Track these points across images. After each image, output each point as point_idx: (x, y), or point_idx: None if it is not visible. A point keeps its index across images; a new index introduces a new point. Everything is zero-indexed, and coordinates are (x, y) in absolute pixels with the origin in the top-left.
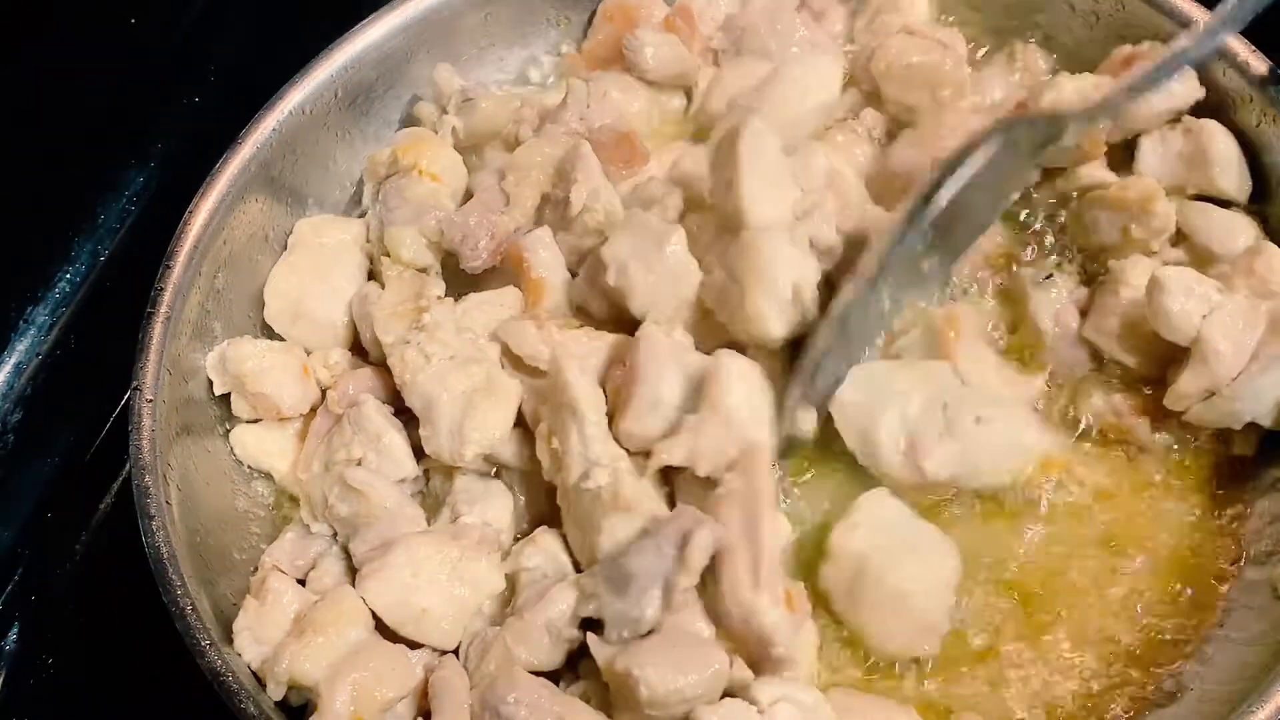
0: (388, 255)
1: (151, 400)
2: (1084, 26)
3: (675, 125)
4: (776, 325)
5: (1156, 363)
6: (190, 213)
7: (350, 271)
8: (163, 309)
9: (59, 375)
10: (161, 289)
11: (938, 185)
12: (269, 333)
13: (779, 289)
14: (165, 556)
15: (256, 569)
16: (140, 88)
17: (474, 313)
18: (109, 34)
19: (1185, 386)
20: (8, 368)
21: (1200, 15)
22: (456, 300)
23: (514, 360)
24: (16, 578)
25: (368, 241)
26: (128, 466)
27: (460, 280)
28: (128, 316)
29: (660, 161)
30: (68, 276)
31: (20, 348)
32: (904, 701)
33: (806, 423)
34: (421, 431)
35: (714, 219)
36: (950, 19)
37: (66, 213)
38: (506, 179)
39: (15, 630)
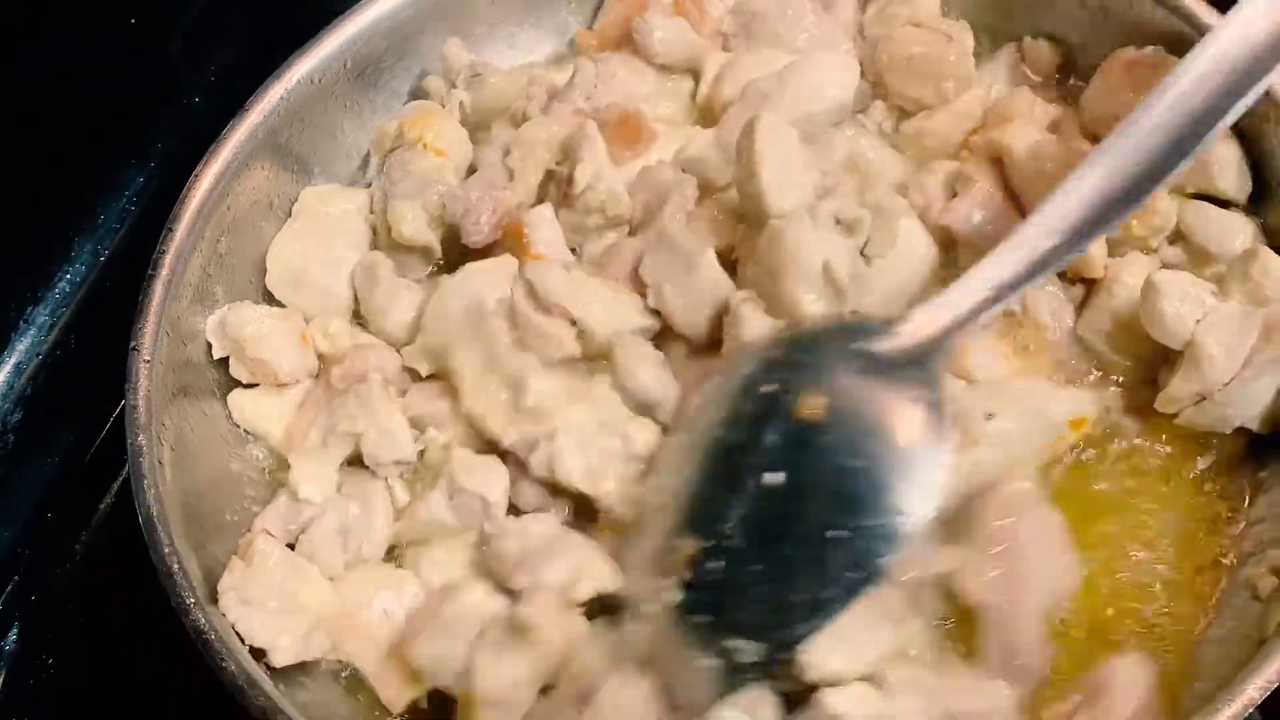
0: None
1: (149, 361)
2: (1091, 24)
3: (683, 109)
4: (813, 306)
5: (1147, 363)
6: (195, 177)
7: (354, 241)
8: (164, 272)
9: (59, 375)
10: (164, 251)
11: None
12: (270, 299)
13: (809, 271)
14: (155, 515)
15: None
16: (140, 88)
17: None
18: (109, 34)
19: (1176, 390)
20: (8, 368)
21: (1209, 16)
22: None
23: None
24: (16, 578)
25: (371, 212)
26: (126, 467)
27: (460, 255)
28: (128, 316)
29: (667, 145)
30: (68, 276)
31: (20, 348)
32: None
33: None
34: None
35: (736, 206)
36: (957, 13)
37: (66, 213)
38: (511, 154)
39: (15, 630)
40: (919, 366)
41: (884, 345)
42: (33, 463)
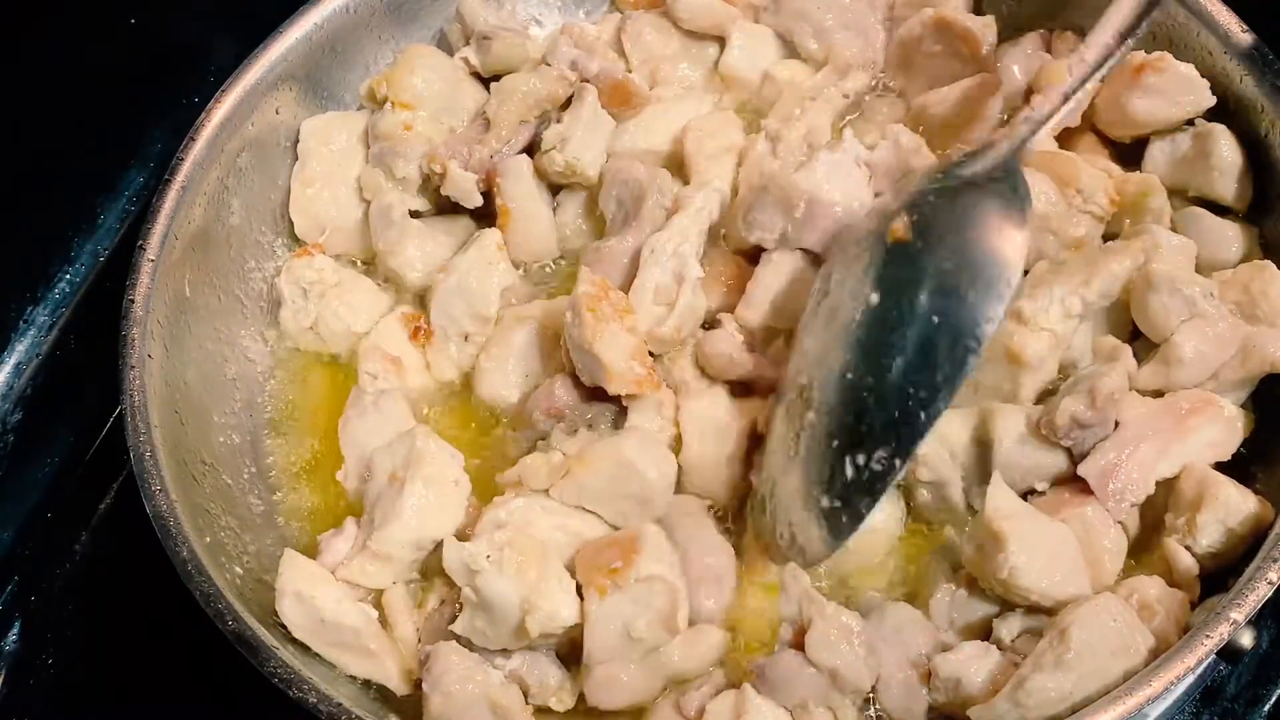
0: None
1: (153, 260)
2: None
3: (703, 74)
4: None
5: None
6: (221, 92)
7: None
8: (179, 178)
9: (59, 375)
10: (181, 159)
11: None
12: (290, 227)
13: None
14: (135, 404)
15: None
16: (140, 88)
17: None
18: (109, 34)
19: (1143, 381)
20: (8, 368)
21: (1227, 19)
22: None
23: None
24: (16, 578)
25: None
26: (128, 466)
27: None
28: None
29: (660, 107)
30: (68, 276)
31: (20, 348)
32: None
33: None
34: None
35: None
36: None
37: (66, 213)
38: (490, 102)
39: (15, 630)
40: (1000, 178)
41: (966, 169)
42: (33, 463)
